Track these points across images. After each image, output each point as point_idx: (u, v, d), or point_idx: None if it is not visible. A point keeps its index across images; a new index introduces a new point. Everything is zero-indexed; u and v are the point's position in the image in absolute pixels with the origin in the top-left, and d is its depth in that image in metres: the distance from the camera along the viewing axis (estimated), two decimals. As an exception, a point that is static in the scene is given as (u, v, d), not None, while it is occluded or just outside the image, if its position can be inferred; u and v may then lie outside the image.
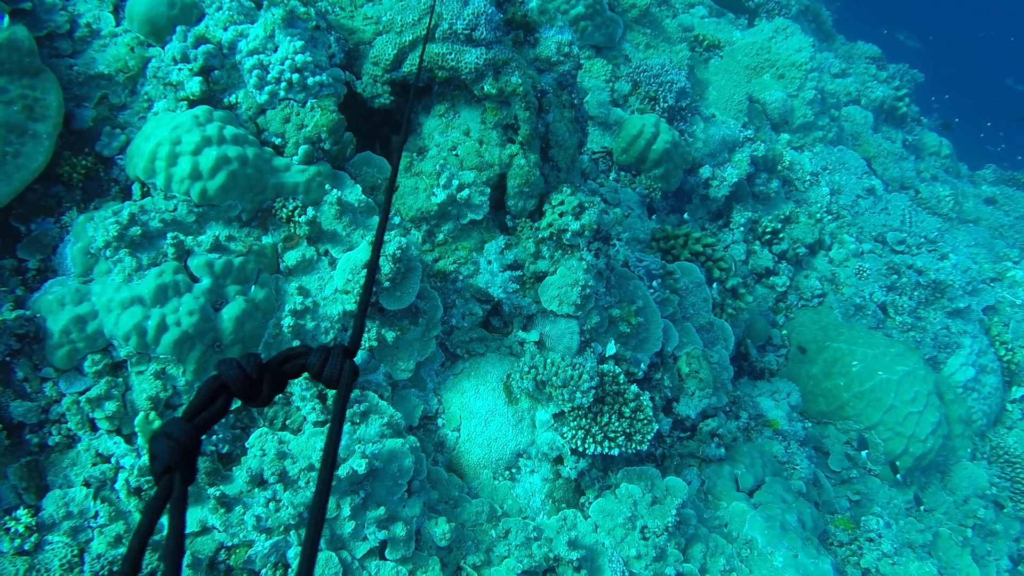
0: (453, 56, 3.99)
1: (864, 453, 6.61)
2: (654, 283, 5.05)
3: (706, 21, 10.19)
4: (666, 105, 6.75)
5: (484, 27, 4.00)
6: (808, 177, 8.52)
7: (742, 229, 7.27)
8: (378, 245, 1.41)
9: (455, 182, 4.08)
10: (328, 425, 0.98)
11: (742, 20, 10.52)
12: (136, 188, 3.72)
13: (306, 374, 1.18)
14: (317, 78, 3.94)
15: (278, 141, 3.94)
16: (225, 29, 3.90)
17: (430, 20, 3.96)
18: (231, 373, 1.12)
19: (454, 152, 4.19)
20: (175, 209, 3.63)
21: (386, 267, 3.64)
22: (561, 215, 4.20)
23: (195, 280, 3.49)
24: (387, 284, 3.70)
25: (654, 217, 6.72)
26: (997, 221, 12.58)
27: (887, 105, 11.82)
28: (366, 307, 1.28)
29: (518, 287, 4.26)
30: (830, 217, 8.36)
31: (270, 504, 3.35)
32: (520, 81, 4.06)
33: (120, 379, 3.39)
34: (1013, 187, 13.78)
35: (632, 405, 4.28)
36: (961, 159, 15.40)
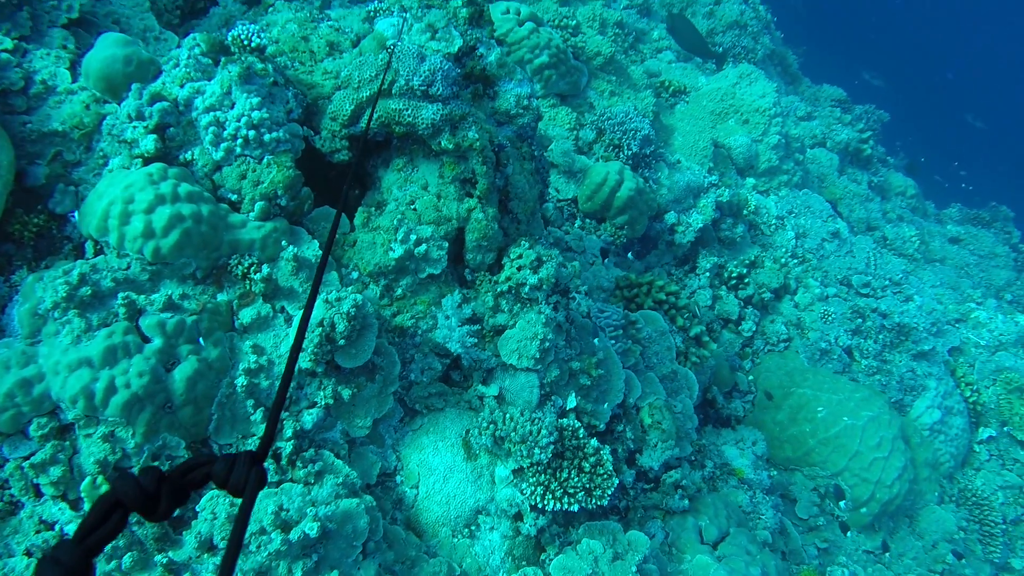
0: (410, 112, 4.01)
1: (843, 503, 6.62)
2: (616, 333, 5.06)
3: (673, 66, 10.35)
4: (630, 152, 6.82)
5: (441, 83, 4.03)
6: (774, 221, 8.62)
7: (708, 274, 7.32)
8: (305, 322, 1.40)
9: (413, 237, 4.08)
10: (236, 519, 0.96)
11: (710, 65, 10.70)
12: (89, 246, 3.69)
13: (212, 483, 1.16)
14: (274, 134, 3.95)
15: (234, 197, 3.92)
16: (182, 86, 3.90)
17: (383, 77, 3.99)
18: (126, 489, 1.10)
19: (412, 206, 4.20)
20: (128, 267, 3.60)
21: (341, 325, 3.62)
22: (519, 269, 4.20)
23: (146, 340, 3.44)
24: (342, 342, 3.68)
25: (630, 255, 6.76)
26: (963, 260, 12.76)
27: (852, 147, 12.03)
28: (280, 409, 1.26)
29: (476, 341, 4.24)
30: (796, 261, 8.45)
31: (219, 570, 3.27)
32: (477, 136, 4.09)
33: (67, 443, 3.32)
34: (978, 225, 14.01)
35: (592, 460, 4.26)
36: (928, 197, 15.68)
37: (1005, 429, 8.94)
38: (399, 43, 4.20)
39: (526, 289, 4.20)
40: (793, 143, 9.62)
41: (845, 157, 12.06)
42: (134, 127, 3.77)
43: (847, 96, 14.07)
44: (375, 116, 4.07)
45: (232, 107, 3.91)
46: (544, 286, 4.20)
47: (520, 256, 4.22)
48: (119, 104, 3.90)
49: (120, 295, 3.42)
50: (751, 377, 7.20)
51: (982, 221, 14.10)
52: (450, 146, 4.06)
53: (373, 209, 4.24)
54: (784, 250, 8.29)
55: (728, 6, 11.58)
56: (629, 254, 6.86)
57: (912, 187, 13.61)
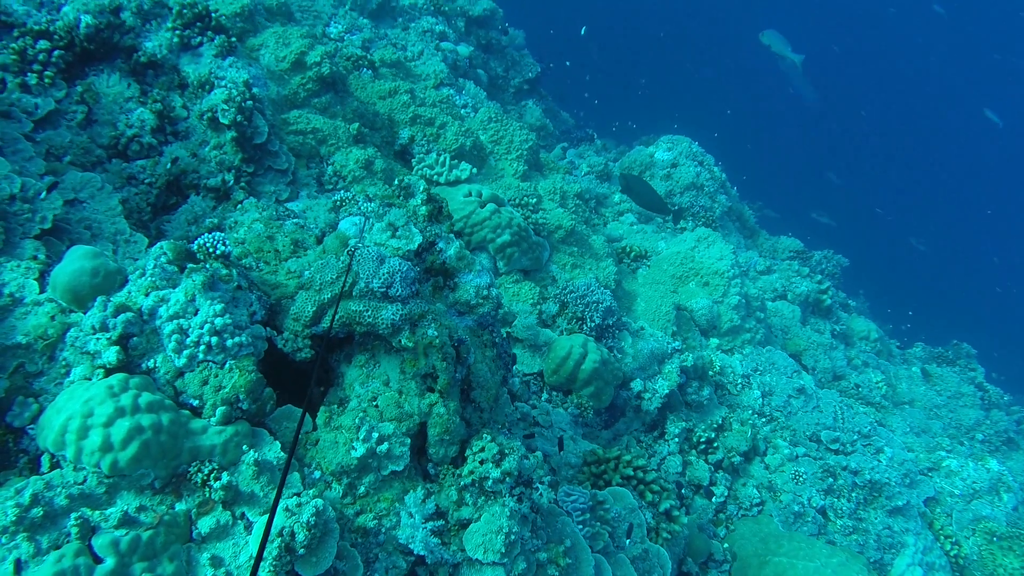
0: (370, 313, 4.13)
1: None
2: (584, 517, 5.02)
3: (634, 228, 10.77)
4: (593, 324, 7.00)
5: (400, 284, 4.17)
6: (739, 380, 8.74)
7: (677, 440, 7.34)
8: (265, 536, 1.40)
9: (375, 435, 4.10)
10: None
11: (669, 224, 11.14)
12: (45, 459, 3.66)
13: None
14: (236, 339, 4.02)
15: (196, 403, 3.95)
16: (147, 295, 4.00)
17: (344, 279, 4.13)
18: None
19: (374, 403, 4.25)
20: (84, 481, 3.56)
21: (301, 534, 3.57)
22: (482, 462, 4.22)
23: (99, 561, 3.37)
24: (302, 551, 3.62)
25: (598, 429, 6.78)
26: (930, 401, 12.91)
27: (812, 298, 12.38)
28: None
29: (441, 538, 4.19)
30: (763, 420, 8.52)
31: None
32: (436, 334, 4.20)
33: (9, 677, 3.17)
34: (942, 364, 14.25)
35: (562, 660, 4.12)
36: (894, 336, 16.02)
37: (991, 584, 8.79)
38: (360, 244, 4.37)
39: (489, 483, 4.20)
40: (753, 301, 9.90)
41: (807, 308, 12.40)
42: (97, 339, 3.84)
43: (804, 247, 14.64)
44: (337, 316, 4.18)
45: (196, 314, 4.01)
46: (507, 479, 4.21)
47: (482, 449, 4.24)
48: (85, 313, 3.98)
49: (73, 515, 3.37)
50: (726, 545, 7.09)
51: (946, 360, 14.34)
52: (410, 344, 4.16)
53: (335, 407, 4.28)
54: (751, 410, 8.37)
55: (684, 169, 12.19)
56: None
57: (875, 331, 13.93)
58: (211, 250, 4.12)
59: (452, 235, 4.85)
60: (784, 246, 14.38)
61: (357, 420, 4.14)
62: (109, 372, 3.81)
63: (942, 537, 9.06)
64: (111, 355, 3.79)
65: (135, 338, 3.92)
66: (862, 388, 11.32)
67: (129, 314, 3.89)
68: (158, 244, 4.23)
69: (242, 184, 6.05)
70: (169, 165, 5.79)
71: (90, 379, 3.79)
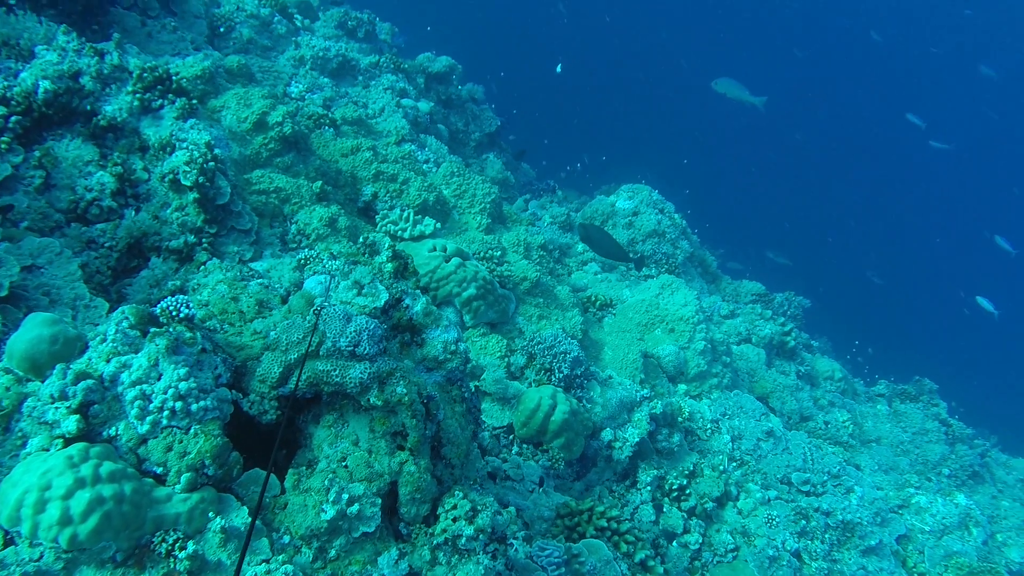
0: (337, 372, 4.09)
1: None
2: (559, 572, 4.95)
3: (598, 277, 10.86)
4: (562, 375, 7.00)
5: (367, 342, 4.15)
6: (709, 425, 8.77)
7: (649, 488, 7.31)
8: None
9: (345, 496, 4.03)
10: None
11: (632, 272, 11.25)
12: None
13: None
14: (201, 403, 3.96)
15: (160, 471, 3.85)
16: (108, 361, 3.93)
17: (311, 339, 4.10)
18: None
19: (344, 463, 4.18)
20: (40, 557, 3.44)
21: (270, 603, 3.48)
22: (455, 520, 4.16)
23: (57, 642, 3.24)
24: (271, 621, 3.52)
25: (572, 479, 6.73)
26: (896, 438, 13.04)
27: (776, 340, 12.52)
28: None
29: (415, 601, 4.11)
30: (734, 464, 8.53)
31: None
32: (405, 391, 4.17)
33: None
34: (906, 400, 14.44)
35: None
36: (858, 374, 16.23)
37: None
38: (326, 303, 4.35)
39: (463, 540, 4.14)
40: (719, 346, 9.99)
41: (771, 350, 12.53)
42: (56, 408, 3.74)
43: (766, 289, 14.85)
44: (304, 376, 4.14)
45: (159, 379, 3.94)
46: (481, 536, 4.15)
47: (455, 507, 4.19)
48: (43, 382, 3.89)
49: (30, 594, 3.25)
50: (703, 593, 7.03)
51: (909, 396, 14.52)
52: (379, 403, 4.12)
53: (304, 468, 4.21)
54: (721, 457, 8.38)
55: (645, 217, 12.38)
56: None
57: (838, 370, 14.10)
58: (174, 313, 4.07)
59: (418, 291, 4.85)
60: (746, 290, 14.58)
61: (326, 482, 4.07)
62: (69, 442, 3.71)
63: (916, 574, 9.08)
64: (71, 424, 3.69)
65: (96, 406, 3.83)
66: (830, 427, 11.41)
67: (90, 381, 3.81)
68: (120, 309, 4.17)
69: (205, 245, 6.01)
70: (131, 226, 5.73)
71: (48, 450, 3.69)
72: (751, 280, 14.92)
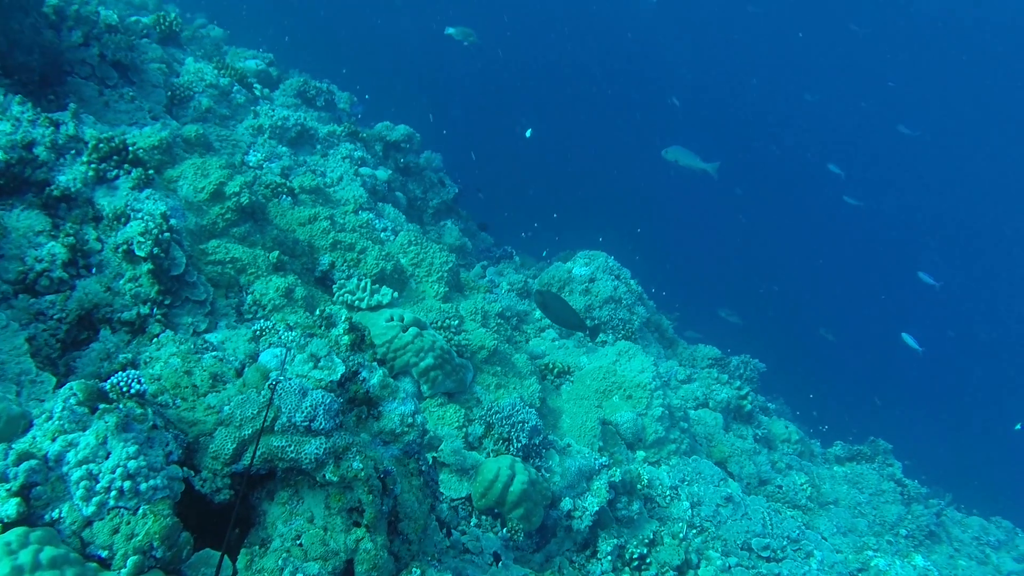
0: (293, 448, 4.03)
1: None
2: (519, 649, 4.85)
3: (556, 344, 10.91)
4: (520, 444, 6.96)
5: (323, 417, 4.11)
6: (668, 492, 8.76)
7: (610, 558, 7.23)
8: None
9: (299, 576, 3.93)
10: None
11: (587, 342, 11.31)
12: (-67, 629, 3.36)
13: None
14: (151, 482, 3.86)
15: (105, 554, 3.72)
16: (53, 440, 3.82)
17: (266, 414, 4.04)
18: None
19: (298, 542, 4.09)
20: (-23, 651, 3.28)
21: None
22: (412, 599, 4.07)
23: None
24: None
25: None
26: (854, 499, 13.12)
27: (733, 404, 12.63)
28: None
29: None
30: (695, 531, 8.50)
31: None
32: (362, 466, 4.12)
33: None
34: (861, 461, 14.58)
35: None
36: (814, 436, 16.36)
37: None
38: (282, 377, 4.30)
39: (420, 620, 4.05)
40: (676, 411, 10.04)
41: (728, 414, 12.62)
42: (-2, 490, 3.62)
43: (721, 353, 15.02)
44: (258, 453, 4.07)
45: (107, 458, 3.84)
46: (438, 615, 4.07)
47: (412, 585, 4.11)
48: (-15, 462, 3.76)
49: None
50: (666, 666, 6.91)
51: (864, 456, 14.66)
52: (335, 478, 4.06)
53: (257, 547, 4.10)
54: (681, 524, 8.35)
55: (602, 283, 12.52)
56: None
57: (795, 432, 14.23)
58: (125, 389, 3.99)
59: (375, 363, 4.83)
60: (702, 354, 14.74)
61: (280, 561, 3.97)
62: (7, 527, 3.57)
63: (879, 642, 9.06)
64: (10, 508, 3.56)
65: (39, 487, 3.71)
66: (787, 491, 11.46)
67: (33, 461, 3.70)
68: (68, 384, 4.07)
69: (158, 316, 5.92)
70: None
71: (-13, 537, 3.55)
72: (706, 344, 15.10)
